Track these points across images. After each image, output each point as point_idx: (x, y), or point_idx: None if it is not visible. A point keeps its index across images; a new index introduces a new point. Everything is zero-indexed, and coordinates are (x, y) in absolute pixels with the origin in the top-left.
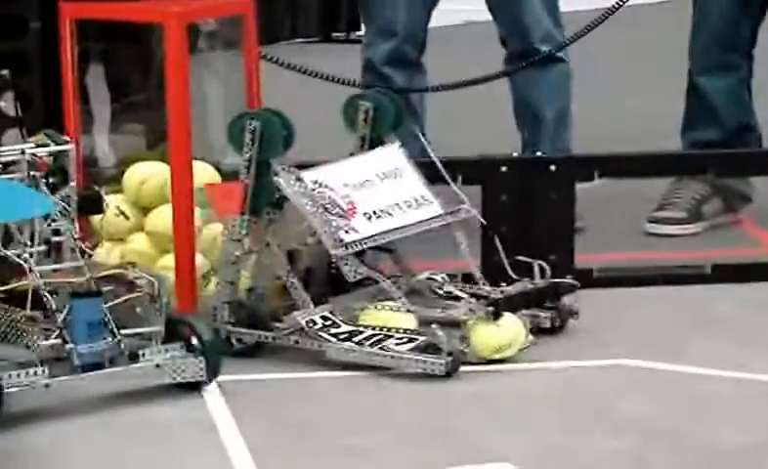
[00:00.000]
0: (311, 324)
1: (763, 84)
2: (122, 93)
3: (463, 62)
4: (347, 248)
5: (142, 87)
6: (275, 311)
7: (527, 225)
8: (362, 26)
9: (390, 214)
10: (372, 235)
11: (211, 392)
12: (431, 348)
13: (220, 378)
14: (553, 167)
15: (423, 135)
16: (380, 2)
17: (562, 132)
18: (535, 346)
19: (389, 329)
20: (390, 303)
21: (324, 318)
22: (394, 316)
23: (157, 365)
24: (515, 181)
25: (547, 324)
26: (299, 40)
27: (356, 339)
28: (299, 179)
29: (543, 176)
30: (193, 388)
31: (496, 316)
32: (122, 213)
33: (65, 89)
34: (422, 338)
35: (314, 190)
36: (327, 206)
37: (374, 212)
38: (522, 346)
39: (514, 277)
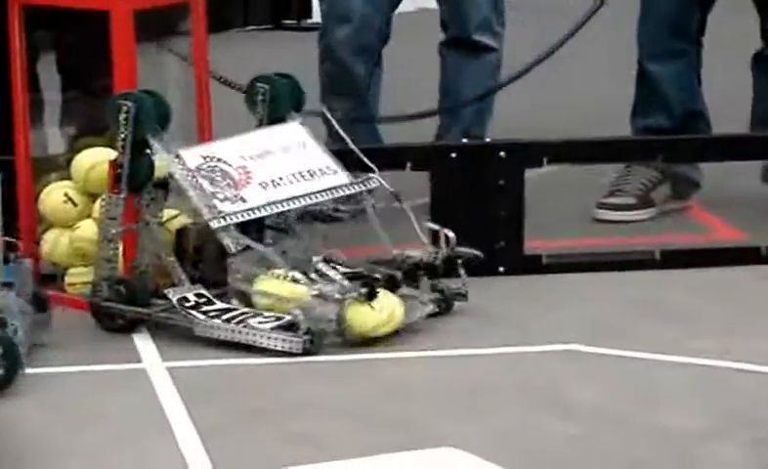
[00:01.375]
0: (183, 302)
1: (711, 71)
2: (72, 81)
3: (415, 48)
4: (225, 220)
5: (91, 74)
6: (158, 288)
7: (476, 212)
8: (318, 13)
9: (291, 182)
10: (265, 204)
11: (161, 377)
12: (294, 327)
13: (169, 364)
14: (503, 154)
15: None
16: None
17: (479, 120)
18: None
19: (259, 310)
20: (279, 271)
21: (199, 295)
22: (284, 284)
23: None
24: (464, 167)
25: (430, 309)
26: (251, 28)
27: (224, 317)
28: (178, 156)
29: (493, 162)
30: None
31: (370, 296)
32: (70, 200)
33: (14, 77)
34: (287, 318)
35: (202, 164)
36: (216, 178)
37: (272, 181)
38: (398, 325)
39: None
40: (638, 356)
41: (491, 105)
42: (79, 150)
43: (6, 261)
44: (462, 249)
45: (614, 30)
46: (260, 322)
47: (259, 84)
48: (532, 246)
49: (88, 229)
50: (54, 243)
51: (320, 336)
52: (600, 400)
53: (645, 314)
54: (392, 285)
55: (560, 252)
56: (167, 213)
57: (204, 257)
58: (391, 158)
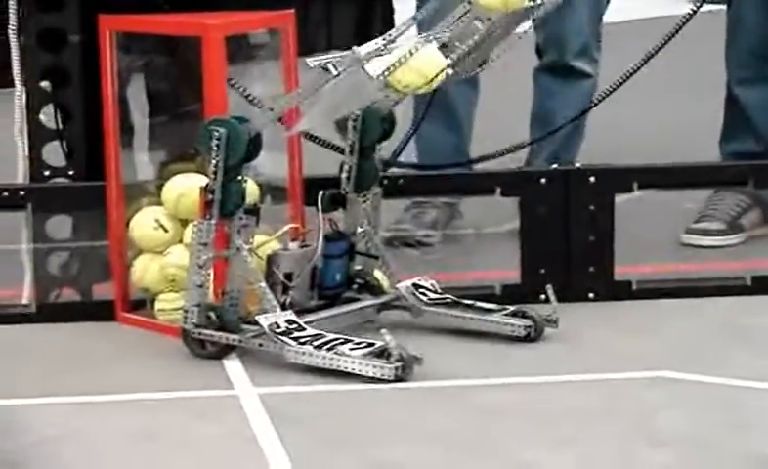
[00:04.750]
0: (274, 328)
1: None
2: (161, 105)
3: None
4: None
5: (180, 100)
6: (249, 314)
7: (565, 237)
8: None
9: None
10: None
11: (252, 403)
12: (385, 353)
13: (260, 390)
14: (593, 179)
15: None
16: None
17: (571, 144)
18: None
19: (349, 336)
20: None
21: (289, 321)
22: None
23: None
24: (554, 193)
25: (522, 333)
26: (335, 49)
27: (315, 343)
28: None
29: (583, 188)
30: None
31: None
32: (161, 226)
33: (106, 102)
34: (378, 344)
35: None
36: None
37: None
38: None
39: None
40: (729, 383)
41: (583, 130)
42: (169, 176)
43: None
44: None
45: (700, 55)
46: (351, 349)
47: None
48: (621, 272)
49: (179, 255)
50: (144, 269)
51: (412, 363)
52: (690, 427)
53: (735, 340)
54: (481, 311)
55: (650, 278)
56: (258, 239)
57: (295, 283)
58: (481, 184)
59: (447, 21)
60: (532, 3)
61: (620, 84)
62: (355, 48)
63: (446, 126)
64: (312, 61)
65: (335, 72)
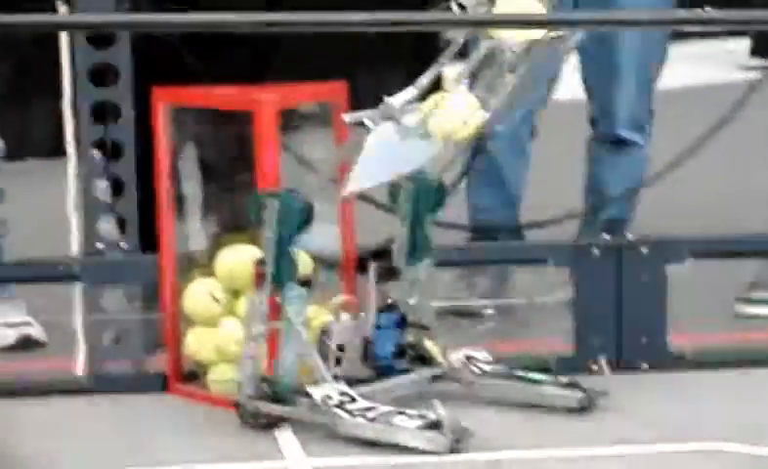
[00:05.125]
0: (327, 399)
1: None
2: (214, 176)
3: (546, 140)
4: None
5: (232, 171)
6: (301, 385)
7: (618, 308)
8: None
9: None
10: None
11: None
12: (438, 425)
13: (313, 461)
14: (645, 250)
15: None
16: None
17: (622, 217)
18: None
19: (402, 407)
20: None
21: (342, 393)
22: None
23: None
24: (607, 264)
25: (575, 405)
26: None
27: (368, 415)
28: None
29: (635, 259)
30: None
31: None
32: (214, 298)
33: (159, 174)
34: (431, 416)
35: None
36: None
37: None
38: None
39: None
40: None
41: (635, 199)
42: (222, 247)
43: None
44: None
45: (747, 122)
46: (404, 421)
47: (403, 181)
48: (675, 342)
49: (231, 327)
50: (197, 341)
51: (464, 434)
52: None
53: None
54: (533, 382)
55: (704, 348)
56: (310, 310)
57: (347, 354)
58: (533, 254)
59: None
60: (554, 35)
61: (682, 158)
62: (387, 98)
63: (497, 195)
64: (348, 117)
65: (373, 126)
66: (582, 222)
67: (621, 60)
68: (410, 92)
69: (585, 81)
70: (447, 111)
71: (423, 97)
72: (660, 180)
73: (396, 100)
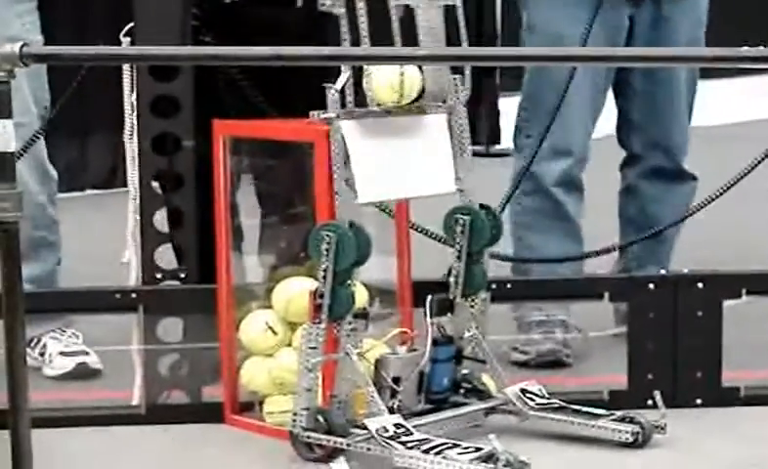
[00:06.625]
0: (382, 432)
1: None
2: (272, 208)
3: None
4: None
5: (290, 203)
6: (357, 417)
7: (673, 342)
8: (507, 140)
9: None
10: None
11: None
12: (493, 458)
13: None
14: (701, 285)
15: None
16: (559, 119)
17: (670, 250)
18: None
19: (457, 440)
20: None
21: (397, 425)
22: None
23: None
24: (662, 298)
25: (629, 439)
26: None
27: (423, 448)
28: None
29: (691, 294)
30: None
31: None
32: (270, 329)
33: (218, 206)
34: (486, 449)
35: None
36: None
37: None
38: None
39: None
40: None
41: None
42: (279, 280)
43: None
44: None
45: None
46: (459, 453)
47: (459, 214)
48: (730, 378)
49: (287, 358)
50: (253, 372)
51: (519, 468)
52: None
53: None
54: (588, 416)
55: (759, 384)
56: (366, 343)
57: (402, 387)
58: (589, 289)
59: None
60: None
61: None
62: (329, 88)
63: (569, 237)
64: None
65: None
66: (629, 257)
67: (676, 92)
68: (345, 73)
69: (626, 115)
70: (373, 83)
71: (358, 73)
72: (708, 212)
73: (337, 84)
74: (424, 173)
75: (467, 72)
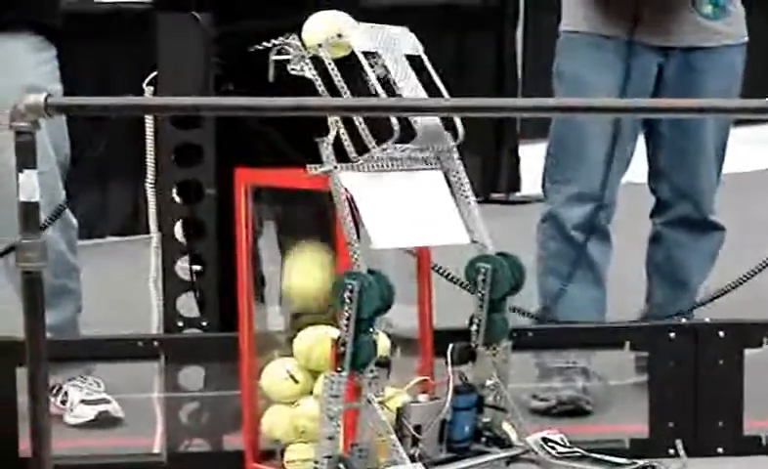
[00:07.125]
0: None
1: None
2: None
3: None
4: None
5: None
6: (379, 466)
7: (694, 391)
8: (528, 187)
9: None
10: None
11: None
12: None
13: None
14: (722, 333)
15: None
16: (583, 163)
17: (693, 299)
18: None
19: None
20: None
21: None
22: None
23: None
24: (683, 347)
25: None
26: None
27: None
28: None
29: (712, 342)
30: None
31: None
32: (292, 377)
33: (240, 253)
34: None
35: None
36: None
37: None
38: None
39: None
40: None
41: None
42: (301, 328)
43: None
44: None
45: None
46: None
47: (480, 263)
48: (751, 426)
49: (309, 406)
50: (275, 420)
51: None
52: None
53: None
54: (610, 465)
55: None
56: (388, 391)
57: (424, 435)
58: (610, 337)
59: None
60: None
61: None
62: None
63: (591, 283)
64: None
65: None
66: (652, 304)
67: (705, 141)
68: (334, 125)
69: (655, 163)
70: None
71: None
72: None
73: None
74: (433, 222)
75: (459, 124)
